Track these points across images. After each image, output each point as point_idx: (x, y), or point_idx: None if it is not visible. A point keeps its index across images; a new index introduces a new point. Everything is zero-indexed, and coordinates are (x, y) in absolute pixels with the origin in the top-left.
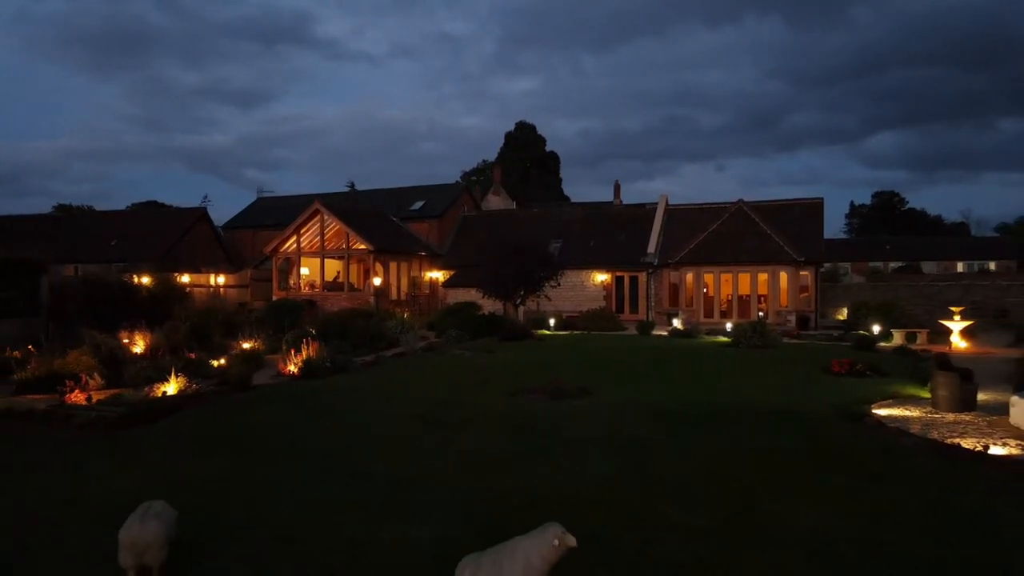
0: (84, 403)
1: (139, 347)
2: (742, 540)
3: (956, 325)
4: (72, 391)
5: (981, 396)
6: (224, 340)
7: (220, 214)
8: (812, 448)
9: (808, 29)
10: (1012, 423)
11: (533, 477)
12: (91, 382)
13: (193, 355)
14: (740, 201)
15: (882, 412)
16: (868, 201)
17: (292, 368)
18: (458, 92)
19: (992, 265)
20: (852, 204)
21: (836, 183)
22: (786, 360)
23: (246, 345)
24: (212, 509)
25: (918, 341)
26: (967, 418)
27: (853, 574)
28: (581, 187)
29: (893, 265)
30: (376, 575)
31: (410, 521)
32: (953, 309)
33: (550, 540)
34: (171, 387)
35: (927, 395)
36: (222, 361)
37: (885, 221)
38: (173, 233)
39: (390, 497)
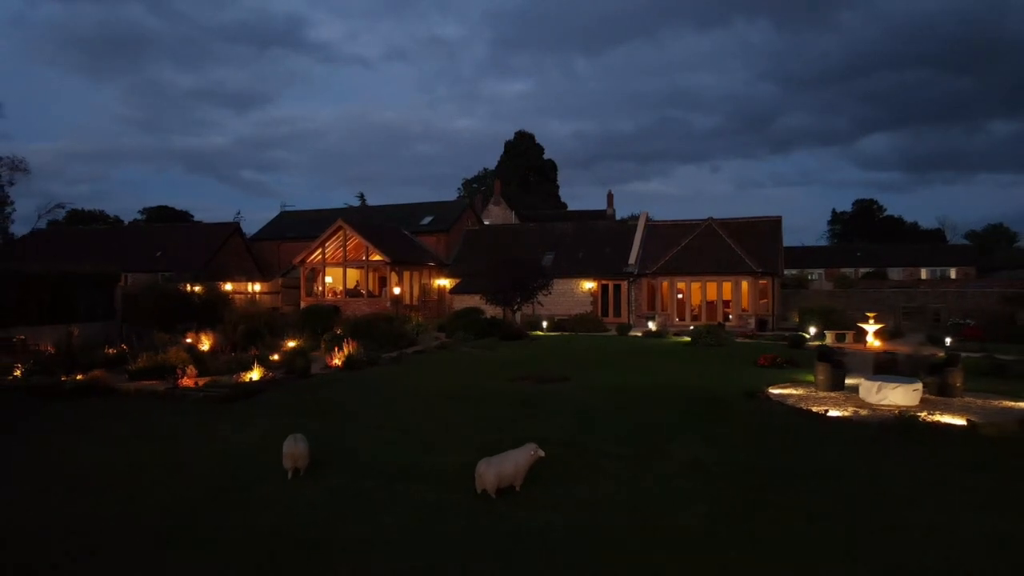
0: (193, 386)
1: (205, 345)
2: (649, 461)
3: (871, 327)
4: (180, 378)
5: (854, 380)
6: (272, 339)
7: (214, 216)
8: (713, 412)
9: (796, 32)
10: (860, 397)
11: (522, 430)
12: (189, 371)
13: (256, 351)
14: (710, 219)
15: (776, 391)
16: (849, 208)
17: (337, 361)
18: (452, 95)
19: (953, 272)
20: (834, 211)
21: (830, 184)
22: (729, 356)
23: (291, 344)
24: (313, 447)
25: (847, 340)
26: (834, 395)
27: (707, 474)
28: (577, 188)
29: (863, 271)
30: (429, 477)
31: (444, 453)
32: (868, 314)
33: (529, 451)
34: (255, 374)
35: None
36: (275, 356)
37: (864, 228)
38: (211, 245)
39: (429, 440)
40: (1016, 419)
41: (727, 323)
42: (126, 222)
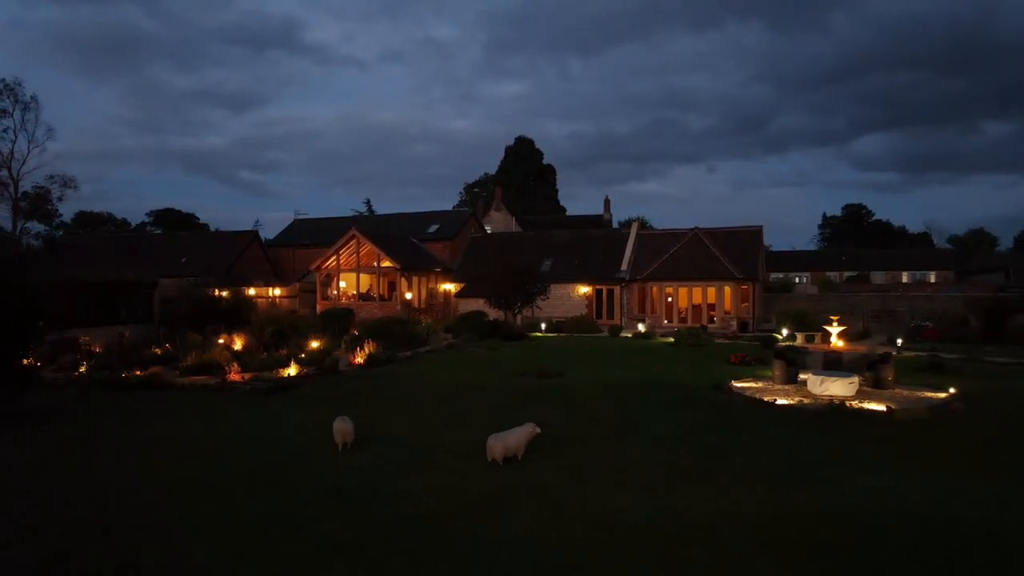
0: (240, 380)
1: (237, 345)
2: (624, 437)
3: (834, 329)
4: (228, 374)
5: (807, 375)
6: (297, 340)
7: (216, 216)
8: (683, 401)
9: (788, 34)
10: (808, 389)
11: (523, 415)
12: (234, 368)
13: (285, 351)
14: (696, 228)
15: (738, 384)
16: (839, 212)
17: (359, 360)
18: (448, 96)
19: (933, 276)
20: (824, 215)
21: (827, 184)
22: (706, 354)
23: (314, 344)
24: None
25: (815, 341)
26: (787, 388)
27: (670, 447)
28: (575, 189)
29: (848, 274)
30: (449, 450)
31: (461, 432)
32: (832, 317)
33: (528, 428)
34: (292, 370)
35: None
36: (302, 355)
37: (854, 232)
38: (232, 252)
39: (447, 423)
40: (927, 406)
41: (711, 325)
42: (132, 224)
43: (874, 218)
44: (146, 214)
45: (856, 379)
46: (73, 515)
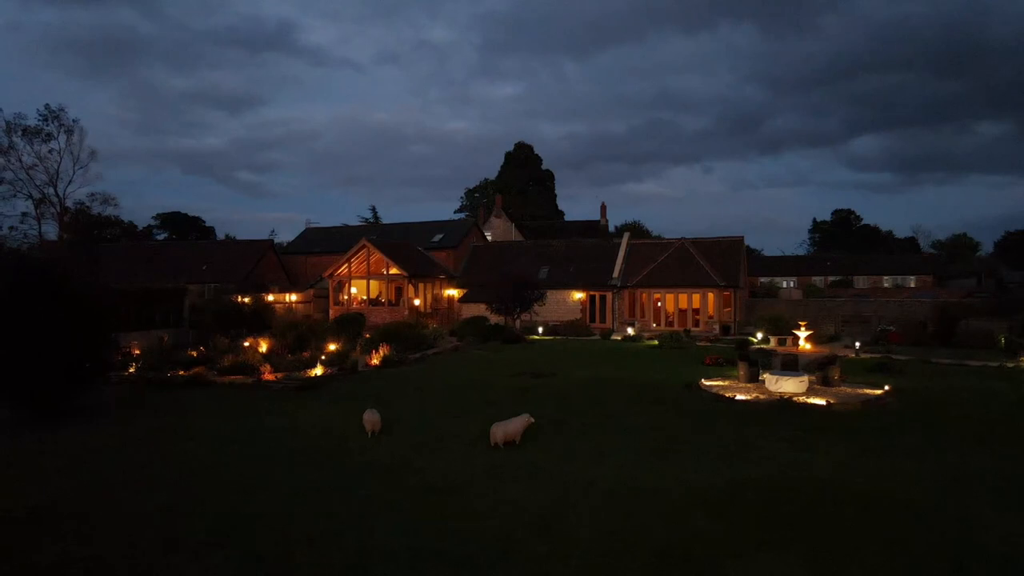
0: (273, 379)
1: (263, 348)
2: (604, 425)
3: (802, 333)
4: (263, 374)
5: (767, 374)
6: (316, 343)
7: (219, 217)
8: (656, 397)
9: (780, 36)
10: (766, 387)
11: (520, 407)
12: (267, 368)
13: (307, 353)
14: (683, 239)
15: (707, 383)
16: (830, 217)
17: (375, 361)
18: (443, 97)
19: (913, 281)
20: (814, 220)
21: (822, 185)
22: (685, 356)
23: (331, 347)
24: None
25: (787, 344)
26: (749, 386)
27: (639, 433)
28: (572, 189)
29: (832, 279)
30: (459, 436)
31: (468, 421)
32: (800, 322)
33: (524, 418)
34: (318, 370)
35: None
36: (323, 357)
37: (843, 236)
38: (250, 260)
39: (455, 415)
40: (862, 400)
41: (695, 329)
42: (139, 227)
43: (863, 223)
44: (152, 217)
45: (807, 378)
46: (175, 482)
